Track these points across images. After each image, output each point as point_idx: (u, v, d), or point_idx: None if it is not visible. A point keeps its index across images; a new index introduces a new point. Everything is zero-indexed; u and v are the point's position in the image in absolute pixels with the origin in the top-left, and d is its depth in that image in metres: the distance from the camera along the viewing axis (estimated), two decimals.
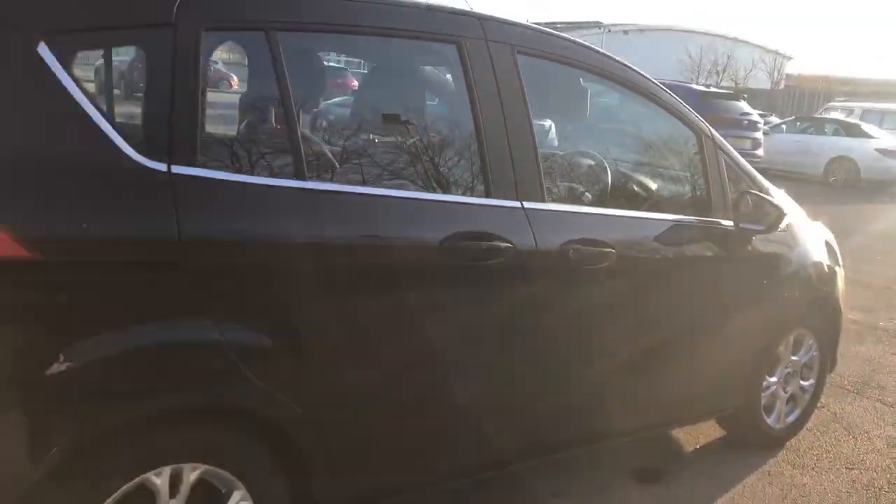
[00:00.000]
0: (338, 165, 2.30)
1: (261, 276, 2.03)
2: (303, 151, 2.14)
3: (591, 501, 3.09)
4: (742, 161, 3.32)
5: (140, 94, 1.97)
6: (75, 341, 1.80)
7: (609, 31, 39.08)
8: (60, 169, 1.81)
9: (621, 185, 3.11)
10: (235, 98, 2.53)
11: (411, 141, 2.48)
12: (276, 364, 2.06)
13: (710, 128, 3.18)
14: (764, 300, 3.33)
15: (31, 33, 1.80)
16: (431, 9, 2.46)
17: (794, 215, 3.57)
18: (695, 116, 3.14)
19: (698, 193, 3.17)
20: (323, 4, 2.26)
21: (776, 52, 46.21)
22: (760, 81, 41.83)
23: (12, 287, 1.73)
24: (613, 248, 2.69)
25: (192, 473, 2.02)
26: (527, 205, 2.52)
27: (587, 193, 2.94)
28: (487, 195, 2.46)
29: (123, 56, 2.14)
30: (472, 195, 2.47)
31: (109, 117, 1.90)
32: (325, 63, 2.87)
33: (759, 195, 3.15)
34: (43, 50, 1.81)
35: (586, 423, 2.91)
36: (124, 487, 1.91)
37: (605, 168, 3.01)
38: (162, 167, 1.90)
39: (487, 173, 2.45)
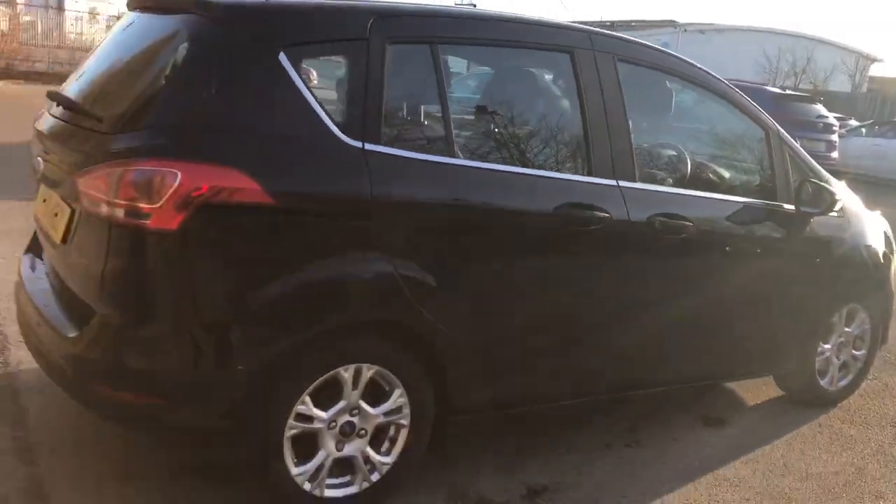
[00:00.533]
0: (477, 148, 2.98)
1: (424, 227, 2.71)
2: (452, 136, 2.82)
3: (664, 441, 3.67)
4: (804, 154, 3.88)
5: (344, 91, 2.67)
6: (298, 268, 2.50)
7: (685, 30, 38.91)
8: (291, 143, 2.52)
9: (699, 171, 3.69)
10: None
11: (532, 130, 3.15)
12: (432, 295, 2.73)
13: (777, 125, 3.76)
14: (818, 275, 3.88)
15: (275, 46, 2.52)
16: (550, 25, 3.12)
17: (851, 204, 4.10)
18: (763, 115, 3.72)
19: (764, 180, 3.75)
20: (472, 25, 2.95)
21: (859, 54, 45.26)
22: (843, 84, 41.11)
23: (258, 227, 2.44)
24: (691, 222, 3.30)
25: (368, 372, 2.71)
26: (622, 183, 3.15)
27: (671, 178, 3.55)
28: (590, 174, 3.10)
29: (333, 61, 2.83)
30: (578, 174, 3.11)
31: (323, 107, 2.60)
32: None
33: (817, 183, 3.71)
34: (283, 58, 2.52)
35: (661, 366, 3.52)
36: (326, 376, 2.61)
37: (686, 157, 3.61)
38: (358, 144, 2.60)
39: (590, 157, 3.10)
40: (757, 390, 4.36)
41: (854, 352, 4.29)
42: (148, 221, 2.33)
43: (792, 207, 3.68)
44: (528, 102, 3.26)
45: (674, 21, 41.75)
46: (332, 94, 2.76)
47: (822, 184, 3.73)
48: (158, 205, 2.31)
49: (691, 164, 3.59)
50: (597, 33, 3.21)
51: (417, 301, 2.68)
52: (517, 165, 3.00)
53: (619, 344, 3.29)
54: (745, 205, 3.58)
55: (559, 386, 3.25)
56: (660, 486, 3.25)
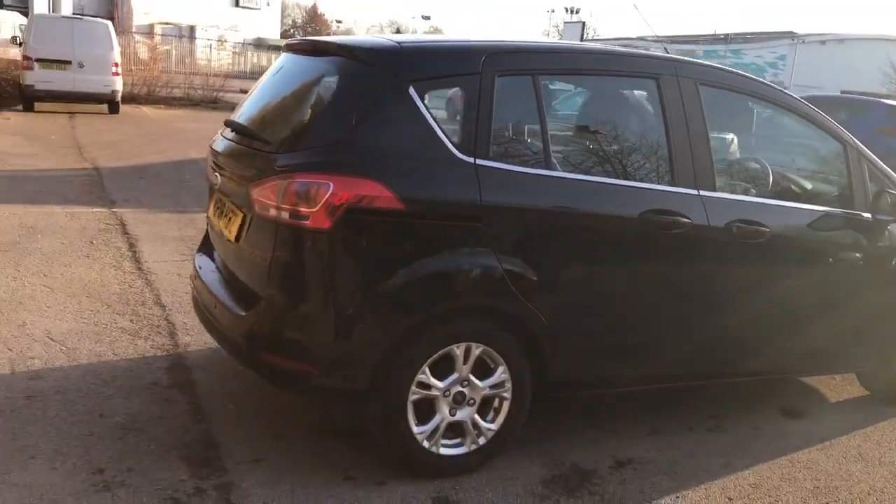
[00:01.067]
0: (572, 161, 3.48)
1: (525, 228, 3.22)
2: (550, 151, 3.33)
3: (744, 427, 4.03)
4: (883, 166, 4.18)
5: (459, 116, 3.23)
6: (420, 261, 3.05)
7: (803, 41, 37.89)
8: (417, 159, 3.09)
9: (777, 182, 4.06)
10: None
11: (621, 145, 3.62)
12: (532, 286, 3.23)
13: (854, 139, 4.09)
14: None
15: (405, 81, 3.10)
16: (639, 56, 3.61)
17: None
18: (840, 130, 4.06)
19: (842, 191, 4.08)
20: (570, 58, 3.49)
21: None
22: None
23: (391, 227, 3.01)
24: (768, 228, 3.69)
25: (476, 350, 3.24)
26: (702, 192, 3.58)
27: (751, 188, 3.94)
28: (673, 184, 3.54)
29: (450, 92, 3.40)
30: (662, 184, 3.56)
31: (444, 130, 3.16)
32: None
33: (893, 192, 4.00)
34: (412, 91, 3.10)
35: (740, 358, 3.90)
36: (441, 351, 3.16)
37: (768, 170, 3.99)
38: (471, 160, 3.14)
39: (674, 168, 3.54)
40: (840, 388, 4.64)
41: None
42: (307, 222, 2.94)
43: (869, 215, 3.99)
44: (616, 121, 3.73)
45: (792, 32, 40.64)
46: (452, 119, 3.30)
47: None
48: (315, 209, 2.93)
49: (770, 176, 3.97)
50: (681, 61, 3.67)
51: (518, 291, 3.19)
52: (607, 176, 3.47)
53: (700, 335, 3.71)
54: (822, 213, 3.92)
55: (646, 371, 3.68)
56: (736, 462, 3.63)
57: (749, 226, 3.65)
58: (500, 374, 3.31)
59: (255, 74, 41.21)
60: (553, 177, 3.31)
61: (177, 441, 3.40)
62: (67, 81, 16.73)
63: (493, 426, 3.36)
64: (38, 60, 16.65)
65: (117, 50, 17.54)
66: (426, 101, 3.13)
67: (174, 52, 47.95)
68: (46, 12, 30.45)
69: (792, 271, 3.86)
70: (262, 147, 3.26)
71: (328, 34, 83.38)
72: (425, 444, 3.23)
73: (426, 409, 3.23)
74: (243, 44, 55.84)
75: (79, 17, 18.35)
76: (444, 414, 3.24)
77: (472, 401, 3.29)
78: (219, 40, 54.23)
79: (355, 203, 2.94)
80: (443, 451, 3.28)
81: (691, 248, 3.56)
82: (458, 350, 3.21)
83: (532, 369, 3.37)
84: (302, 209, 2.95)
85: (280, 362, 3.10)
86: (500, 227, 3.18)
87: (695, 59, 3.80)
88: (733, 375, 3.99)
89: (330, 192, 2.92)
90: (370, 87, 3.11)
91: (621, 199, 3.43)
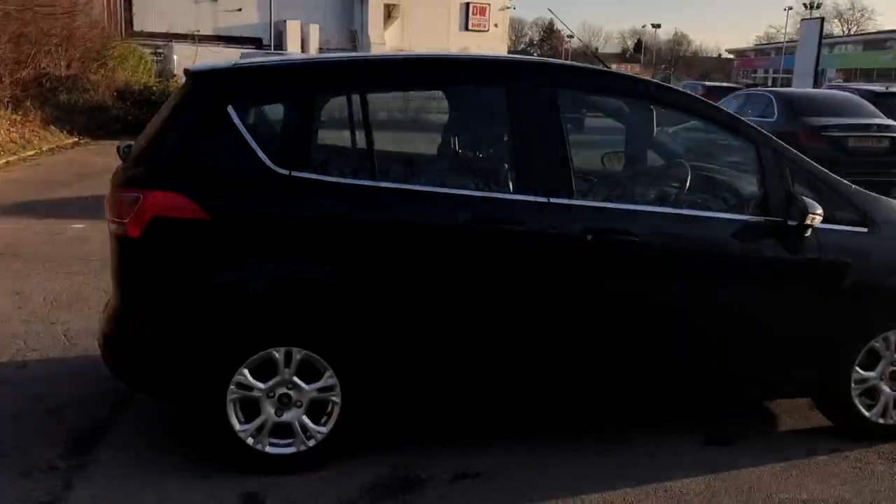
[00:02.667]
0: (396, 170, 3.52)
1: (342, 238, 3.31)
2: (376, 162, 3.39)
3: (641, 453, 3.75)
4: (816, 167, 3.72)
5: (281, 131, 3.40)
6: (232, 268, 3.27)
7: None
8: (232, 173, 3.31)
9: (655, 188, 3.77)
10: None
11: (462, 154, 3.59)
12: (351, 295, 3.31)
13: (772, 138, 3.68)
14: (831, 293, 3.66)
15: (225, 100, 3.32)
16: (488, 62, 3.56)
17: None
18: (751, 129, 3.68)
19: (751, 195, 3.69)
20: (401, 71, 3.54)
21: None
22: None
23: (200, 236, 3.25)
24: (636, 237, 3.45)
25: (297, 354, 3.37)
26: (552, 199, 3.44)
27: (622, 194, 3.71)
28: (514, 191, 3.44)
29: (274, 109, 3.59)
30: (500, 191, 3.48)
31: (262, 145, 3.33)
32: None
33: (798, 196, 3.55)
34: (230, 109, 3.33)
35: (603, 382, 3.67)
36: (258, 354, 3.31)
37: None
38: (286, 172, 3.30)
39: (517, 175, 3.45)
40: (804, 417, 4.14)
41: None
42: (123, 231, 3.27)
43: (782, 221, 3.58)
44: (457, 131, 3.69)
45: None
46: (274, 134, 3.47)
47: (801, 197, 3.56)
48: (128, 220, 3.25)
49: (647, 183, 3.70)
50: (537, 65, 3.56)
51: (336, 299, 3.30)
52: (438, 186, 3.46)
53: (544, 350, 3.53)
54: (712, 219, 3.58)
55: (483, 388, 3.58)
56: (592, 486, 3.42)
57: (609, 234, 3.44)
58: (327, 378, 3.42)
59: None
60: (375, 187, 3.38)
61: (76, 425, 3.84)
62: None
63: (324, 429, 3.46)
64: None
65: None
66: (246, 119, 3.35)
67: None
68: (298, 50, 33.96)
69: (669, 284, 3.57)
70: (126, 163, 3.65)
71: (561, 50, 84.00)
72: (249, 441, 3.41)
73: (253, 409, 3.41)
74: None
75: (280, 52, 20.23)
76: (268, 414, 3.41)
77: (299, 403, 3.42)
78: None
79: (161, 214, 3.22)
80: (269, 449, 3.44)
81: (529, 258, 3.42)
82: (279, 354, 3.37)
83: (362, 376, 3.44)
84: (121, 220, 3.28)
85: (119, 360, 3.45)
86: (318, 236, 3.30)
87: (564, 63, 3.64)
88: (596, 397, 3.74)
89: (139, 204, 3.23)
90: (194, 106, 3.39)
91: (448, 208, 3.40)
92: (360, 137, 3.46)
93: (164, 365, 3.36)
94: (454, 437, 3.81)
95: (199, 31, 41.34)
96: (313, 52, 46.15)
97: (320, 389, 3.42)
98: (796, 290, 3.67)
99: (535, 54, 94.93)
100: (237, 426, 3.39)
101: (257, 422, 3.41)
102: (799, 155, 3.74)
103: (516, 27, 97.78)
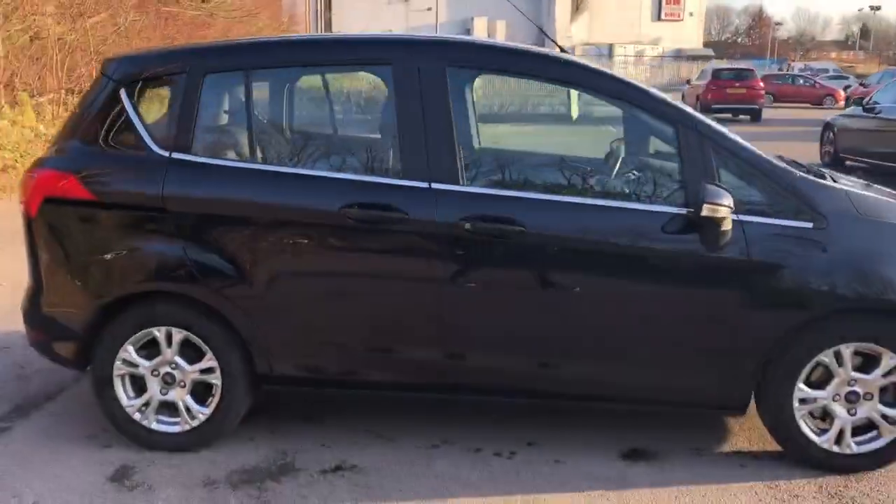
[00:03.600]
0: (273, 153, 3.46)
1: (220, 221, 3.32)
2: (256, 144, 3.36)
3: (543, 462, 3.46)
4: (754, 152, 3.25)
5: (166, 113, 3.46)
6: (114, 247, 3.37)
7: None
8: (119, 156, 3.42)
9: (565, 173, 3.41)
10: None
11: (344, 137, 3.46)
12: (227, 278, 3.31)
13: (696, 120, 3.25)
14: (757, 297, 3.18)
15: (118, 85, 3.44)
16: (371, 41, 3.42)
17: (854, 209, 3.23)
18: (673, 109, 3.27)
19: (662, 183, 3.27)
20: (283, 52, 3.47)
21: None
22: None
23: (87, 215, 3.39)
24: (523, 227, 3.18)
25: (178, 335, 3.42)
26: (435, 185, 3.24)
27: (517, 181, 3.40)
28: (396, 176, 3.28)
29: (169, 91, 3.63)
30: (380, 175, 3.33)
31: (147, 127, 3.42)
32: None
33: (715, 185, 3.10)
34: (122, 93, 3.44)
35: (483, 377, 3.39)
36: (142, 332, 3.40)
37: (542, 162, 3.40)
38: (167, 154, 3.36)
39: (399, 159, 3.28)
40: (765, 439, 3.62)
41: (883, 408, 3.29)
42: (25, 210, 3.48)
43: (694, 213, 3.15)
44: (340, 113, 3.55)
45: None
46: (158, 117, 3.54)
47: (705, 185, 3.10)
48: (26, 199, 3.45)
49: (560, 168, 3.38)
50: (427, 43, 3.37)
51: (211, 282, 3.32)
52: (315, 169, 3.38)
53: (427, 343, 3.34)
54: (617, 209, 3.22)
55: (365, 375, 3.44)
56: (457, 491, 3.20)
57: (491, 223, 3.19)
58: (208, 360, 3.44)
59: (671, 86, 41.11)
60: (252, 169, 3.37)
61: (34, 391, 4.13)
62: None
63: (207, 410, 3.49)
64: None
65: None
66: (135, 102, 3.44)
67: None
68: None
69: (569, 278, 3.24)
70: None
71: (768, 38, 78.82)
72: (136, 416, 3.51)
73: (143, 386, 3.51)
74: (661, 57, 55.92)
75: None
76: (154, 392, 3.49)
77: (182, 383, 3.48)
78: (636, 55, 55.14)
79: (51, 194, 3.40)
80: (155, 426, 3.52)
81: (409, 246, 3.25)
82: (160, 333, 3.44)
83: (243, 359, 3.43)
84: (23, 199, 3.49)
85: (32, 333, 3.67)
86: (193, 218, 3.34)
87: (459, 38, 3.41)
88: (477, 393, 3.46)
89: (33, 184, 3.42)
90: (94, 91, 3.53)
91: (324, 192, 3.31)
92: (242, 120, 3.45)
93: (64, 338, 3.53)
94: (356, 429, 3.70)
95: (391, 30, 43.02)
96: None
97: (202, 371, 3.45)
98: (717, 292, 3.21)
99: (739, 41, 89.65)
100: (125, 401, 3.50)
101: (144, 398, 3.50)
102: (733, 139, 3.27)
103: (721, 16, 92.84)
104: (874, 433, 3.33)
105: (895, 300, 3.17)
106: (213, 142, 3.49)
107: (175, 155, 3.36)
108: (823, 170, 4.15)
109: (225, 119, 3.59)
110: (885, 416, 3.30)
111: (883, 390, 3.30)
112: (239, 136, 3.51)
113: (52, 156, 3.54)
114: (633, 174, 3.44)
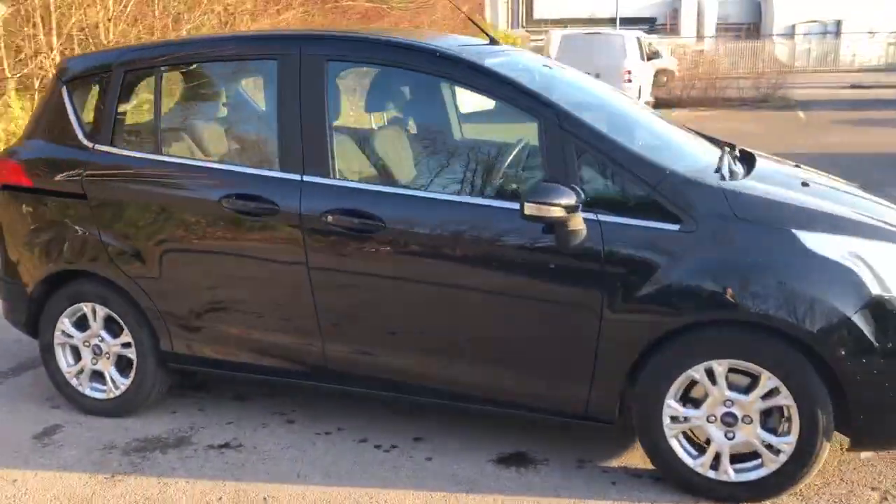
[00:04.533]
0: (176, 146, 3.68)
1: (124, 208, 3.62)
2: (160, 137, 3.61)
3: (438, 458, 3.43)
4: (616, 150, 3.01)
5: (93, 108, 3.79)
6: (48, 228, 3.77)
7: None
8: (56, 147, 3.81)
9: (429, 169, 3.30)
10: None
11: (231, 130, 3.61)
12: (130, 261, 3.60)
13: (562, 114, 3.06)
14: (615, 303, 2.94)
15: (61, 82, 3.83)
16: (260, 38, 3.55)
17: (745, 213, 2.91)
18: (540, 104, 3.10)
19: (521, 179, 3.12)
20: (185, 50, 3.67)
21: None
22: None
23: (30, 199, 3.81)
24: (383, 222, 3.18)
25: (100, 311, 3.76)
26: (306, 177, 3.32)
27: (398, 178, 3.37)
28: (274, 167, 3.39)
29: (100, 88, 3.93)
30: (259, 167, 3.45)
31: (81, 121, 3.78)
32: None
33: (547, 183, 2.91)
34: (63, 90, 3.82)
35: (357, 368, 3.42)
36: (73, 306, 3.78)
37: (405, 156, 3.33)
38: (91, 145, 3.70)
39: (278, 151, 3.39)
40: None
41: (765, 434, 2.94)
42: None
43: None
44: (232, 106, 3.68)
45: None
46: (90, 111, 3.85)
47: (542, 183, 2.89)
48: None
49: (411, 163, 3.32)
50: (311, 37, 3.44)
51: (117, 264, 3.64)
52: (208, 161, 3.57)
53: (308, 334, 3.41)
54: (475, 205, 3.12)
55: (244, 358, 3.59)
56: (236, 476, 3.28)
57: (350, 217, 3.22)
58: (125, 335, 3.76)
59: None
60: (154, 160, 3.63)
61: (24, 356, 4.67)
62: None
63: (126, 382, 3.81)
64: None
65: (632, 59, 18.80)
66: (74, 99, 3.82)
67: (812, 51, 46.53)
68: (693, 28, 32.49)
69: (422, 271, 3.21)
70: None
71: None
72: (73, 381, 3.90)
73: (78, 354, 3.89)
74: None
75: (598, 33, 20.02)
76: (86, 361, 3.86)
77: (108, 355, 3.82)
78: (869, 32, 50.37)
79: (6, 181, 3.86)
80: (88, 392, 3.89)
81: (281, 237, 3.36)
82: (87, 309, 3.80)
83: (152, 337, 3.71)
84: None
85: (3, 303, 4.17)
86: (106, 205, 3.67)
87: (342, 32, 3.44)
88: (364, 385, 3.45)
89: None
90: (49, 91, 3.96)
91: (208, 183, 3.49)
92: (151, 115, 3.70)
93: (20, 309, 4.00)
94: (272, 412, 3.87)
95: (593, 13, 42.31)
96: (711, 24, 44.14)
97: (123, 345, 3.77)
98: (572, 295, 3.02)
99: None
100: (64, 367, 3.90)
101: (78, 366, 3.88)
102: (600, 135, 3.04)
103: None
104: (758, 461, 2.98)
105: (772, 315, 2.81)
106: (128, 135, 3.77)
107: (97, 147, 3.68)
108: (799, 167, 3.75)
109: (139, 114, 3.87)
110: (768, 445, 2.94)
111: (767, 414, 2.95)
112: (148, 130, 3.77)
113: (13, 147, 4.01)
114: (497, 170, 3.30)
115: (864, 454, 3.26)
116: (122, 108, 3.70)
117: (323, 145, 3.30)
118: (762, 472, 2.97)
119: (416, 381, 3.34)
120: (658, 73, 23.08)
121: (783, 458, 2.93)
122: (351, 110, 3.70)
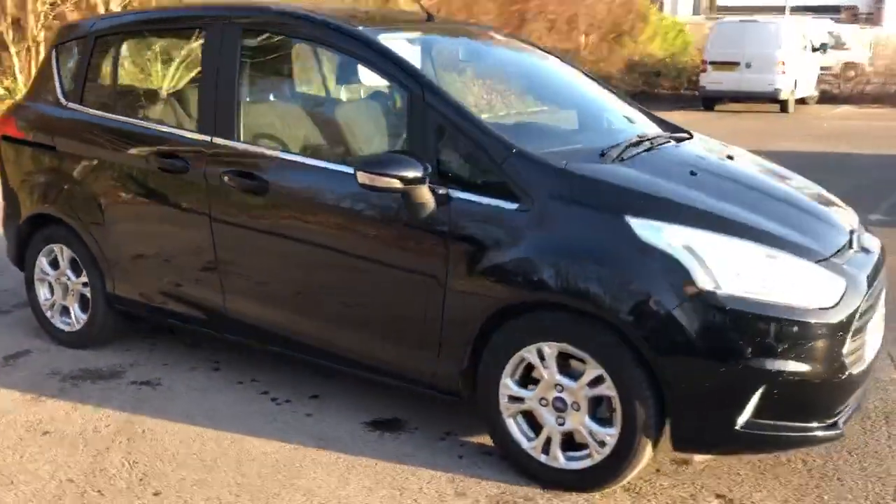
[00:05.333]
0: (133, 106, 4.00)
1: (80, 160, 4.02)
2: (116, 99, 3.98)
3: (321, 416, 3.57)
4: (471, 125, 3.02)
5: (74, 70, 4.21)
6: (30, 174, 4.26)
7: None
8: (44, 105, 4.28)
9: (316, 134, 3.43)
10: None
11: (170, 94, 3.88)
12: (84, 207, 4.01)
13: (427, 87, 3.10)
14: (457, 277, 2.96)
15: (54, 46, 4.29)
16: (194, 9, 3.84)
17: (575, 196, 2.86)
18: (407, 76, 3.15)
19: (388, 147, 3.19)
20: (137, 21, 4.00)
21: None
22: None
23: (23, 150, 4.31)
24: (267, 182, 3.39)
25: (65, 252, 4.20)
26: (215, 139, 3.58)
27: (275, 140, 3.61)
28: (194, 130, 3.68)
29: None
30: (181, 129, 3.74)
31: (63, 82, 4.22)
32: None
33: (393, 154, 2.97)
34: (52, 53, 4.29)
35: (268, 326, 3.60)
36: (46, 247, 4.27)
37: (298, 122, 3.49)
38: (66, 104, 4.14)
39: (199, 115, 3.68)
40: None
41: (591, 423, 2.86)
42: None
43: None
44: (168, 73, 3.94)
45: None
46: (73, 73, 4.26)
47: (380, 155, 2.95)
48: None
49: (300, 129, 3.48)
50: (231, 9, 3.69)
51: (74, 210, 4.06)
52: (145, 120, 3.94)
53: (219, 286, 3.67)
54: (340, 172, 3.23)
55: (166, 305, 3.90)
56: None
57: (242, 178, 3.45)
58: (84, 276, 4.19)
59: None
60: (106, 118, 4.00)
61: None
62: (734, 81, 18.00)
63: (85, 317, 4.24)
64: (711, 63, 18.39)
65: (788, 48, 17.71)
66: (61, 62, 4.28)
67: None
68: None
69: (299, 233, 3.37)
70: None
71: None
72: (47, 314, 4.38)
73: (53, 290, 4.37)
74: None
75: (753, 20, 18.92)
76: (57, 296, 4.34)
77: (73, 292, 4.28)
78: None
79: (5, 133, 4.41)
80: (58, 324, 4.35)
81: (192, 193, 3.63)
82: (57, 249, 4.28)
83: (101, 279, 4.11)
84: None
85: (8, 245, 4.73)
86: (66, 157, 4.12)
87: (259, 4, 3.67)
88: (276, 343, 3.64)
89: None
90: (46, 56, 4.44)
91: (142, 142, 3.84)
92: (111, 78, 4.08)
93: (13, 248, 4.53)
94: (207, 359, 4.16)
95: (785, 2, 39.87)
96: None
97: (83, 284, 4.20)
98: (419, 265, 3.07)
99: None
100: (41, 299, 4.39)
101: (50, 301, 4.35)
102: (459, 109, 3.04)
103: None
104: (587, 451, 2.91)
105: (590, 300, 2.74)
106: (93, 95, 4.16)
107: (70, 105, 4.11)
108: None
109: (102, 77, 4.25)
110: (592, 434, 2.87)
111: (596, 403, 2.87)
112: (107, 92, 4.15)
113: (16, 104, 4.53)
114: (361, 139, 3.41)
115: (698, 458, 3.08)
116: (91, 72, 4.10)
117: (230, 110, 3.54)
118: (587, 463, 2.90)
119: (298, 339, 3.51)
120: (846, 66, 21.53)
121: (607, 450, 2.84)
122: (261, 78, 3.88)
